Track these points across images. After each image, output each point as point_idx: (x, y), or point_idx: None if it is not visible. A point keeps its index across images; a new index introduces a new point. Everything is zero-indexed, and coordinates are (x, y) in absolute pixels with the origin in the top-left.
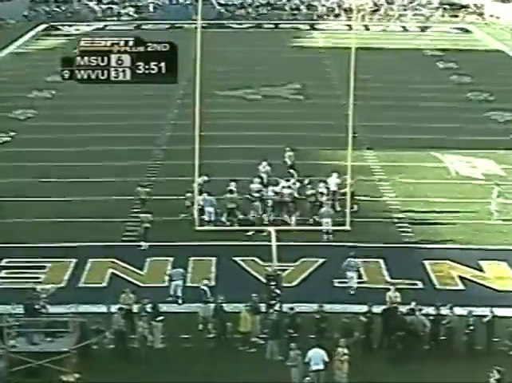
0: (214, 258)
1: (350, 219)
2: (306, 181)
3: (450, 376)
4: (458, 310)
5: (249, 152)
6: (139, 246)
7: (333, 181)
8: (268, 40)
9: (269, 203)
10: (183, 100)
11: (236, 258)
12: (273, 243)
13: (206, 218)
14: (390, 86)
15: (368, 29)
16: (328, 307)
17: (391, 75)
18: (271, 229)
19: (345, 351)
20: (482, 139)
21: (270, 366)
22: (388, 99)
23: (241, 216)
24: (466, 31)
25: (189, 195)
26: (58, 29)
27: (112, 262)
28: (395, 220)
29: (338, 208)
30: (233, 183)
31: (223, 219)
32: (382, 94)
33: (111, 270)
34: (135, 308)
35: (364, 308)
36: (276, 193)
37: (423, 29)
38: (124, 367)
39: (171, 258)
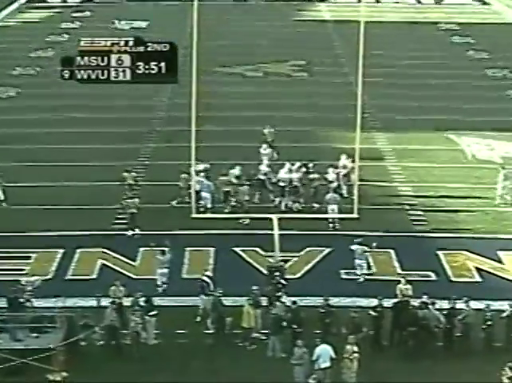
0: (212, 249)
1: (358, 205)
2: (310, 165)
3: (465, 375)
4: (474, 304)
5: (248, 134)
6: (130, 233)
7: (342, 164)
8: (269, 12)
9: (277, 187)
10: (179, 77)
11: (236, 249)
12: (276, 232)
13: (202, 203)
14: (402, 63)
15: (378, 1)
16: (334, 301)
17: (404, 51)
18: (274, 217)
19: (355, 349)
20: (501, 119)
21: (272, 364)
22: (400, 76)
23: (233, 203)
24: (484, 3)
25: (184, 175)
26: (43, 1)
27: (103, 252)
28: (407, 207)
29: (346, 194)
30: (238, 167)
31: (223, 205)
32: (393, 71)
33: (101, 261)
34: (125, 301)
35: (373, 302)
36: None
37: (438, 1)
38: (115, 365)
39: (165, 249)
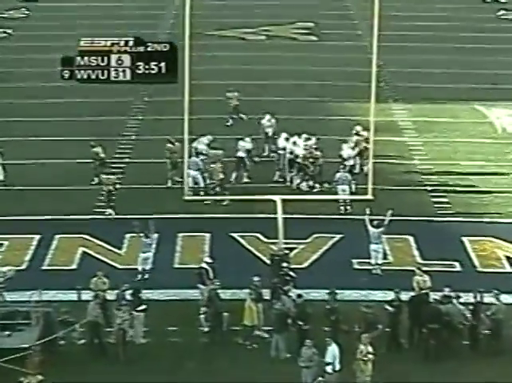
0: (207, 234)
1: (373, 186)
2: (313, 140)
3: (494, 377)
4: (504, 298)
5: (249, 105)
6: (108, 213)
7: (355, 139)
8: None
9: (287, 163)
10: (169, 39)
11: (234, 235)
12: (280, 216)
13: (190, 184)
14: (424, 25)
15: None
16: (345, 294)
17: (425, 10)
18: (277, 198)
19: (369, 349)
20: None
21: (276, 365)
22: (422, 39)
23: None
24: None
25: (169, 146)
26: None
27: (84, 238)
28: (428, 188)
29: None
30: (248, 139)
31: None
32: (414, 34)
33: (82, 249)
34: (110, 295)
35: (389, 295)
36: (290, 152)
37: None
38: (99, 367)
39: (155, 235)
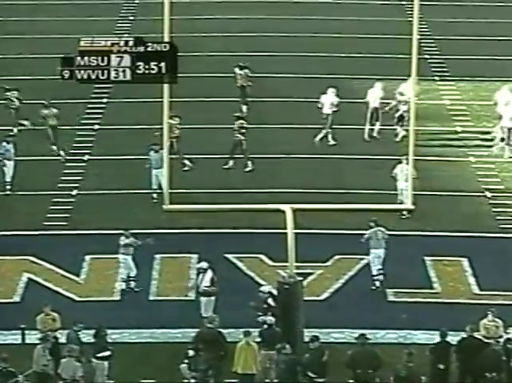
0: (194, 256)
1: (414, 191)
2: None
3: None
4: None
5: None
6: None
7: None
8: None
9: None
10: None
11: (230, 256)
12: (290, 231)
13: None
14: None
15: None
16: (378, 335)
17: None
18: (286, 207)
19: None
20: None
21: None
22: None
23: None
24: None
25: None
26: None
27: (29, 261)
28: (488, 194)
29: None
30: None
31: None
32: None
33: (27, 275)
34: (62, 337)
35: (435, 337)
36: None
37: None
38: None
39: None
